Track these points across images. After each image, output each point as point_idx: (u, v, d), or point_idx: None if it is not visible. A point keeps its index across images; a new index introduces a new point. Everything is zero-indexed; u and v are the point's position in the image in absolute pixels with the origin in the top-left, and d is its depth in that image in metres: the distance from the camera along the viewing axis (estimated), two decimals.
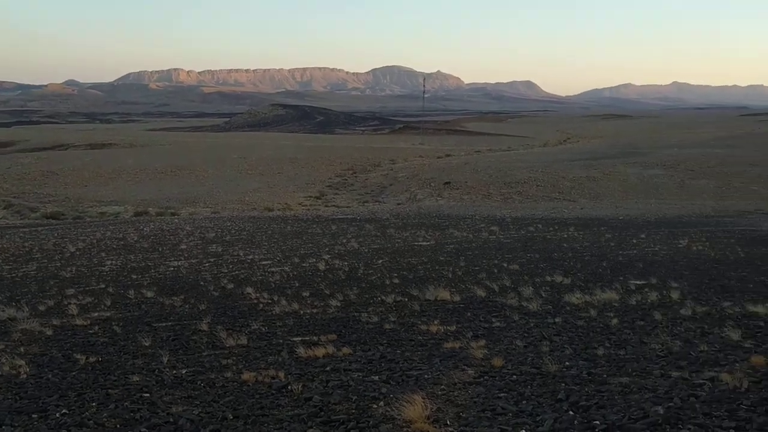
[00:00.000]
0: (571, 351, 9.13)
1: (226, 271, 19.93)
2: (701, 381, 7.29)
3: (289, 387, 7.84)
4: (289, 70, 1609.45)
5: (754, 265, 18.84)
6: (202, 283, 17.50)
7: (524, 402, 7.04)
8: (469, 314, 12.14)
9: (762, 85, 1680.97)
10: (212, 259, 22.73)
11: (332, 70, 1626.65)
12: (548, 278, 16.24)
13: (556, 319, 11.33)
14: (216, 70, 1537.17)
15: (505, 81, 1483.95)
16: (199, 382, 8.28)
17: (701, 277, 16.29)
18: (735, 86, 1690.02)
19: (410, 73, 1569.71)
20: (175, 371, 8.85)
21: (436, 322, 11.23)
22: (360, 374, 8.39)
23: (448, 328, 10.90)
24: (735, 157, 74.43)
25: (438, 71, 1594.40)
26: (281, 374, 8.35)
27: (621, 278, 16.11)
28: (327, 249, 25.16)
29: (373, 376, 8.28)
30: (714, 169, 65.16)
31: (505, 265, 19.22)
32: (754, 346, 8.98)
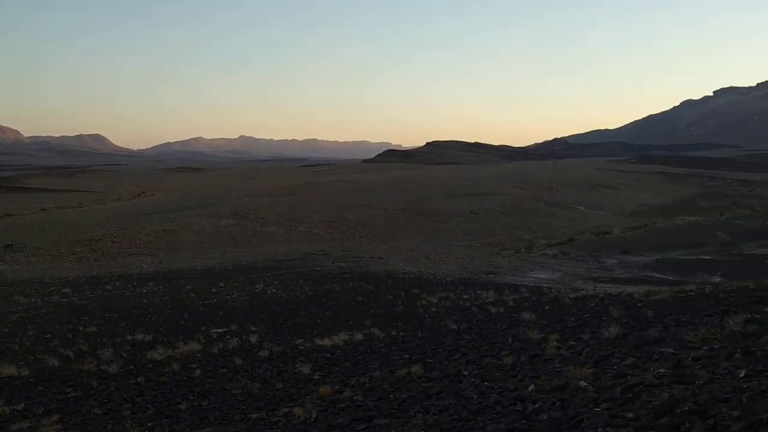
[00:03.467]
0: (154, 410, 8.94)
1: None
2: (277, 418, 7.74)
3: None
4: None
5: (320, 302, 20.76)
6: None
7: None
8: (40, 388, 11.11)
9: (316, 139, 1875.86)
10: None
11: None
12: (129, 337, 15.73)
13: (139, 379, 11.00)
14: None
15: (71, 134, 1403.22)
16: None
17: (277, 319, 17.38)
18: (294, 140, 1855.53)
19: None
20: None
21: (0, 403, 10.02)
22: None
23: (15, 407, 9.82)
24: (298, 204, 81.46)
25: None
26: None
27: (203, 328, 16.35)
28: None
29: None
30: (282, 216, 70.27)
31: (81, 328, 18.12)
32: (321, 377, 9.86)
